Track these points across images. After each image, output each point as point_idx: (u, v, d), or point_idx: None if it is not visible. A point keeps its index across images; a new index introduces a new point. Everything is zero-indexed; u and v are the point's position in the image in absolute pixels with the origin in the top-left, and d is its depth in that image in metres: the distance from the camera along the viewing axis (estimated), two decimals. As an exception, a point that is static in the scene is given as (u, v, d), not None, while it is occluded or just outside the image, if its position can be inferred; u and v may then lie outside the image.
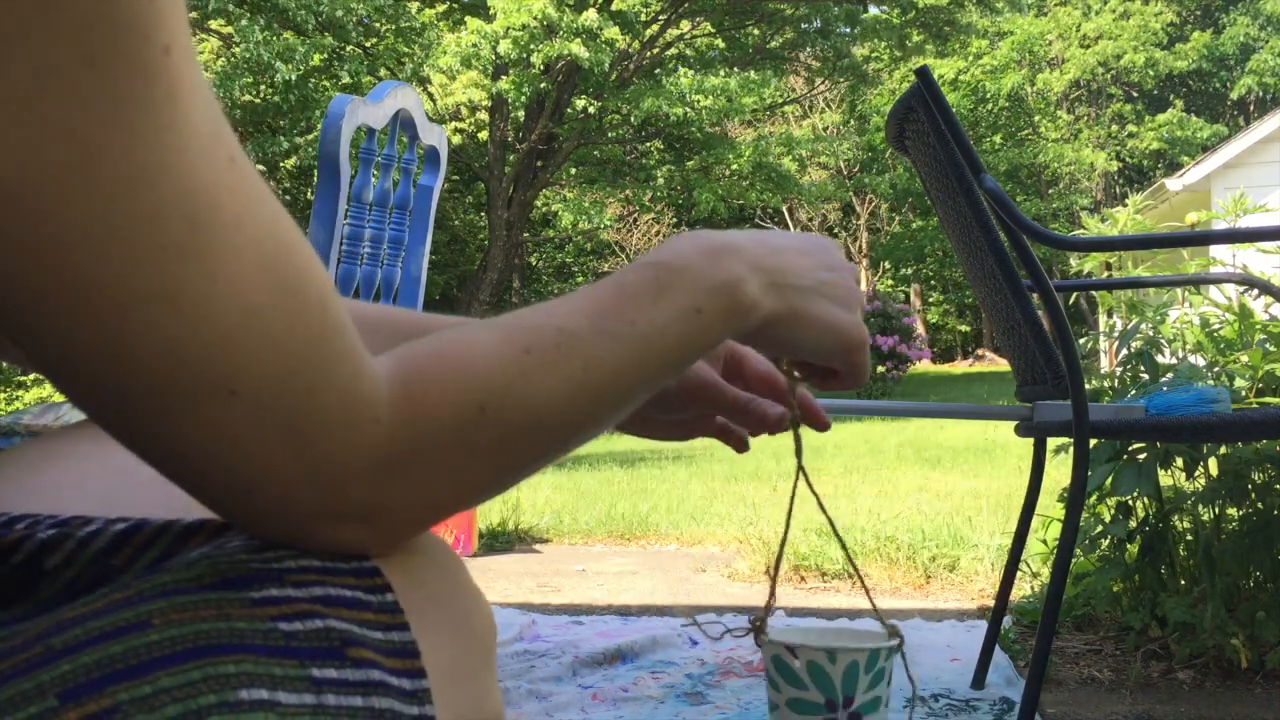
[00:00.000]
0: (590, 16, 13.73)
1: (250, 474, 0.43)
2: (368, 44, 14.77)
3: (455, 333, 0.49)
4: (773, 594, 0.81)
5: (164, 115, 0.36)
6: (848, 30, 17.61)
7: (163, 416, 0.40)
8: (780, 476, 5.76)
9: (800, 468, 0.78)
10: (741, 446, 0.80)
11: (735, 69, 15.51)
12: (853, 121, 28.68)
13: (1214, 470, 2.07)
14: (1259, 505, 2.00)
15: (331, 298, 0.44)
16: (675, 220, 25.27)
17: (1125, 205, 2.61)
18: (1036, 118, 29.01)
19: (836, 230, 31.39)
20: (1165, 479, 2.11)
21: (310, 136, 14.33)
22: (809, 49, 17.79)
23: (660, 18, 16.56)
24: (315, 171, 7.72)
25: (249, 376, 0.41)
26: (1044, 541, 2.68)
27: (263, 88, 14.70)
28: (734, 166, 16.18)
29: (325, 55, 13.89)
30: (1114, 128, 28.99)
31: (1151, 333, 2.22)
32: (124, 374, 0.39)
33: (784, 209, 27.99)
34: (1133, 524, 2.15)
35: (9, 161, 0.33)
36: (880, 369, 15.75)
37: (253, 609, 0.43)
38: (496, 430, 0.48)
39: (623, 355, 0.51)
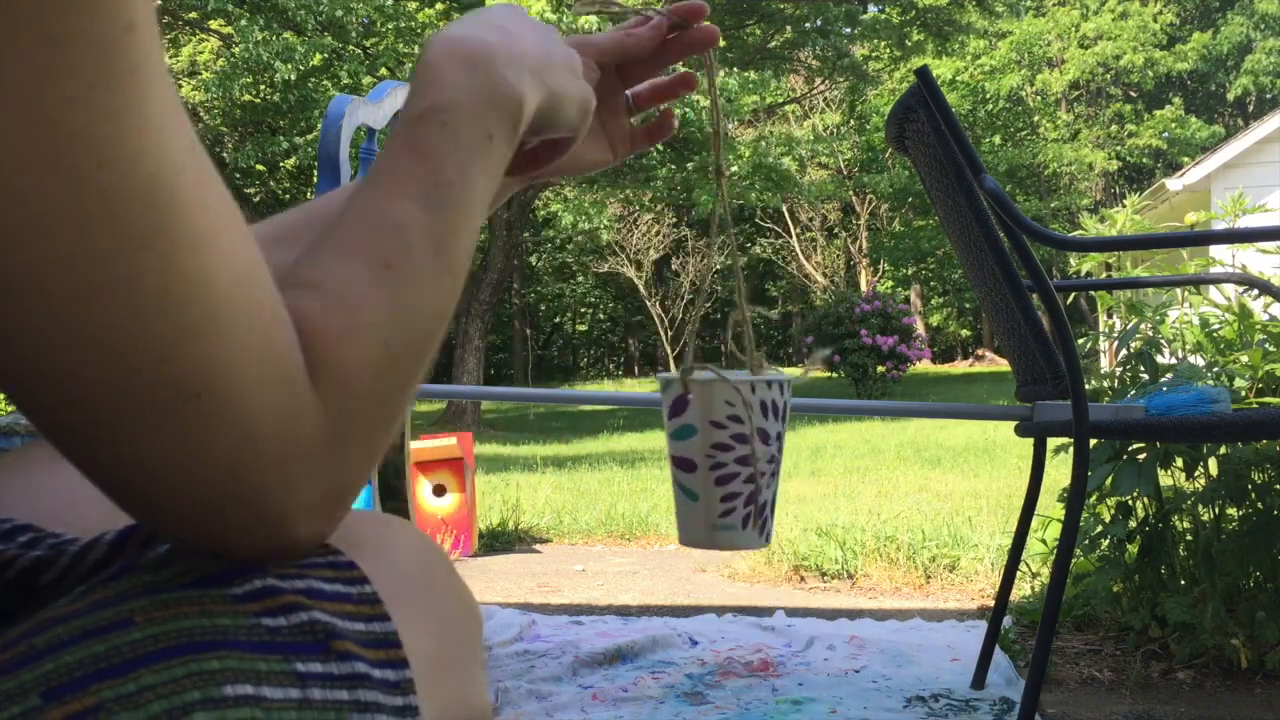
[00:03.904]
0: (589, 18, 13.72)
1: (220, 489, 0.41)
2: (367, 44, 14.76)
3: (319, 270, 0.47)
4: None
5: (126, 94, 0.35)
6: (848, 30, 17.59)
7: (128, 427, 0.38)
8: (780, 477, 5.75)
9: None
10: (661, 129, 0.80)
11: (735, 69, 15.50)
12: (853, 121, 28.69)
13: (1214, 470, 2.07)
14: (1259, 505, 2.00)
15: (275, 289, 0.43)
16: (675, 220, 25.27)
17: (1124, 205, 2.60)
18: (1036, 118, 29.02)
19: (836, 230, 31.40)
20: (1165, 479, 2.11)
21: (310, 136, 14.33)
22: (809, 49, 17.77)
23: (660, 18, 16.54)
24: (315, 171, 7.71)
25: (214, 375, 0.39)
26: (1044, 541, 2.68)
27: (262, 88, 14.70)
28: (734, 168, 16.18)
29: (325, 55, 13.88)
30: (1114, 128, 28.99)
31: (1151, 333, 2.22)
32: (86, 376, 0.37)
33: (784, 209, 27.99)
34: (1133, 524, 2.15)
35: None
36: (880, 369, 15.74)
37: (235, 605, 0.43)
38: (399, 357, 0.47)
39: (457, 219, 0.51)
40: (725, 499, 0.81)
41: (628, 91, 0.78)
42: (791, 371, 0.82)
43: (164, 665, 0.39)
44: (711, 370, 0.78)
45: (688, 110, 14.87)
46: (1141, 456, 2.00)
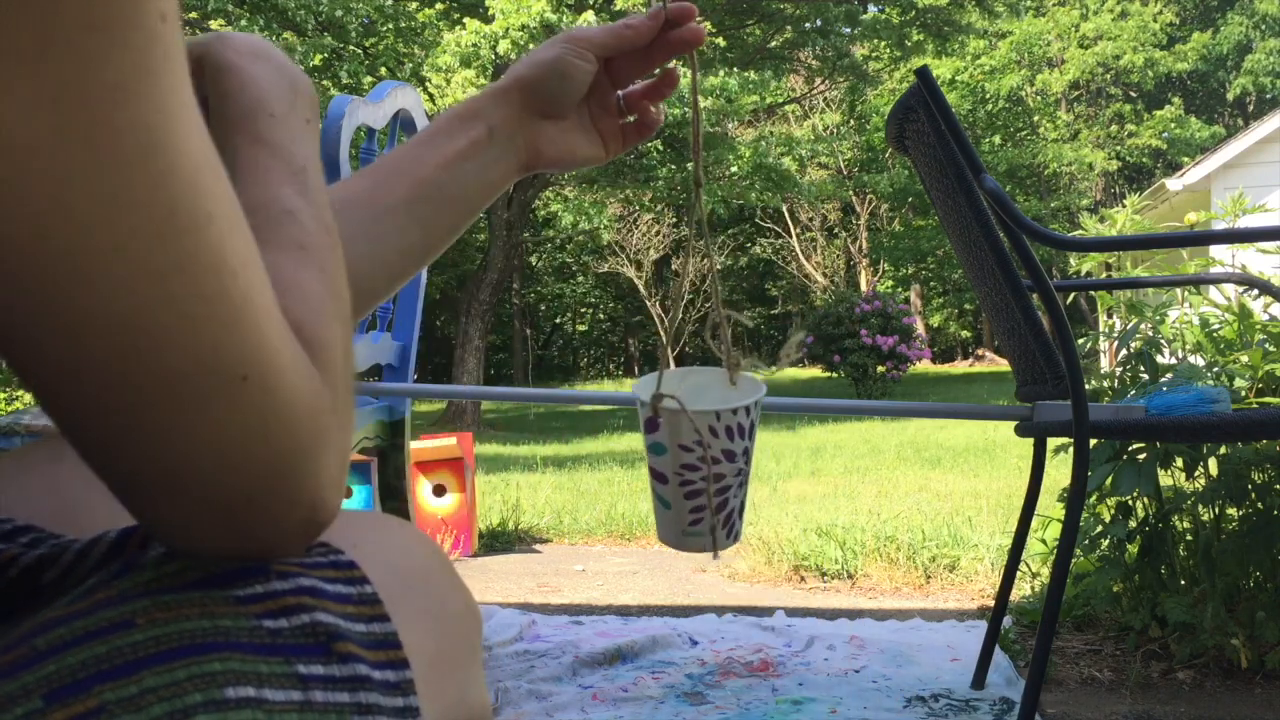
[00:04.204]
0: (588, 19, 13.73)
1: (251, 475, 0.41)
2: (367, 44, 14.76)
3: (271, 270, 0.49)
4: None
5: (164, 82, 0.36)
6: (848, 30, 17.59)
7: (174, 413, 0.39)
8: (780, 477, 5.76)
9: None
10: (647, 125, 0.82)
11: (735, 69, 15.49)
12: (853, 121, 28.68)
13: (1214, 470, 2.07)
14: (1259, 505, 2.00)
15: None
16: (675, 220, 25.27)
17: (1124, 205, 2.60)
18: (1036, 118, 29.03)
19: (836, 230, 31.39)
20: (1165, 479, 2.11)
21: (310, 137, 14.30)
22: (809, 49, 17.77)
23: (660, 18, 16.53)
24: (315, 172, 7.65)
25: (255, 358, 0.40)
26: (1044, 541, 2.68)
27: (262, 88, 14.67)
28: (734, 168, 16.19)
29: (325, 55, 13.88)
30: (1114, 128, 29.00)
31: (1151, 333, 2.22)
32: (142, 362, 0.37)
33: (784, 209, 27.99)
34: (1133, 524, 2.15)
35: (20, 129, 0.32)
36: (880, 369, 15.74)
37: (237, 606, 0.43)
38: (345, 327, 0.49)
39: (319, 199, 0.54)
40: (694, 510, 0.86)
41: (618, 92, 0.80)
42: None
43: (166, 667, 0.39)
44: (678, 401, 0.82)
45: (688, 110, 14.86)
46: (1141, 456, 2.00)
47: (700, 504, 0.85)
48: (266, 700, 0.41)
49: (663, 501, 0.87)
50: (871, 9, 18.44)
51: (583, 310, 34.80)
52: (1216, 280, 2.31)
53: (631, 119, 0.81)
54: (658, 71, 0.80)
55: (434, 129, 0.75)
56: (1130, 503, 2.17)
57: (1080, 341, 2.43)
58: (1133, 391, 2.08)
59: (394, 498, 2.50)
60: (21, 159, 0.33)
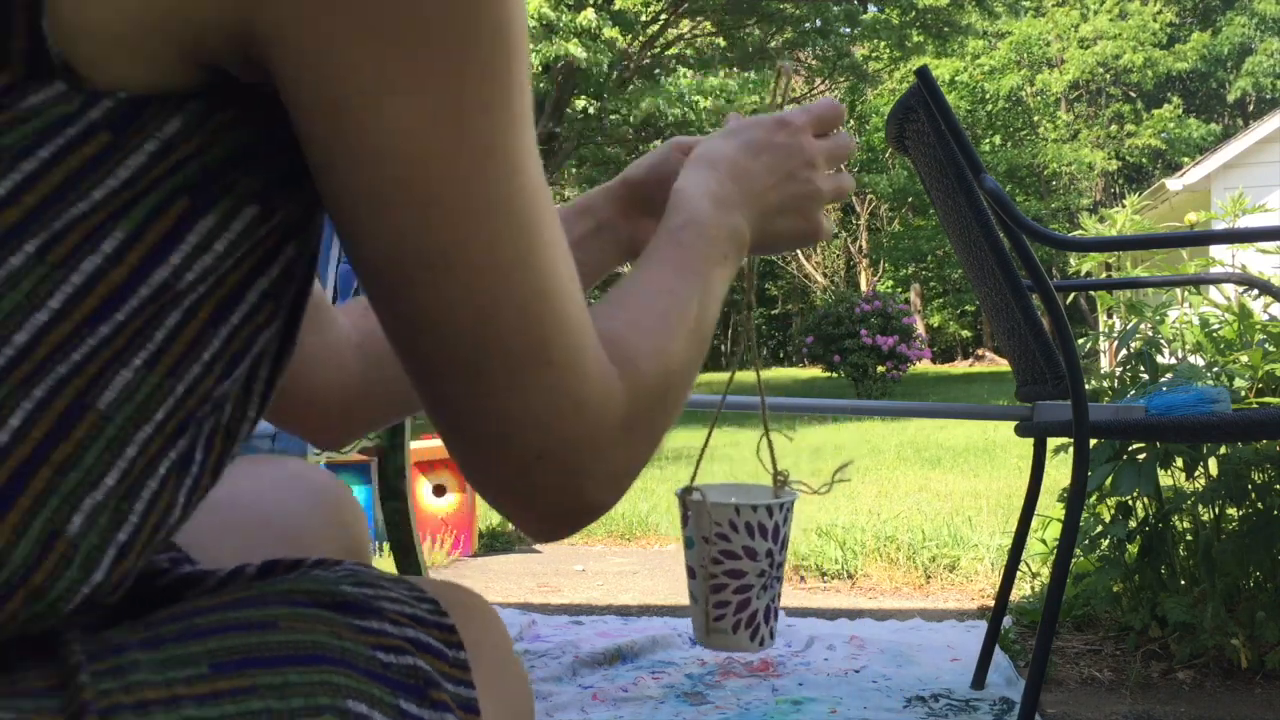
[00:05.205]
0: (588, 17, 13.71)
1: (545, 438, 0.49)
2: (367, 44, 14.75)
3: (615, 306, 0.58)
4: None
5: (528, 122, 0.46)
6: (848, 30, 17.58)
7: (500, 381, 0.47)
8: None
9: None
10: None
11: (735, 69, 15.49)
12: (853, 121, 28.68)
13: (1214, 470, 2.07)
14: (1259, 505, 2.00)
15: None
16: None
17: (1124, 205, 2.61)
18: (1036, 118, 29.03)
19: (836, 230, 31.36)
20: (1165, 479, 2.11)
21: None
22: (809, 49, 17.76)
23: (661, 17, 16.55)
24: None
25: (561, 346, 0.48)
26: (1044, 541, 2.68)
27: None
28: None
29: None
30: (1113, 128, 28.99)
31: (1151, 333, 2.22)
32: (489, 337, 0.46)
33: (784, 209, 27.92)
34: (1133, 524, 2.15)
35: (424, 143, 0.43)
36: (880, 369, 15.73)
37: (359, 635, 0.48)
38: (671, 382, 0.57)
39: (705, 300, 0.63)
40: (718, 605, 0.91)
41: None
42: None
43: (305, 669, 0.45)
44: (700, 492, 0.90)
45: (688, 111, 14.87)
46: (1141, 456, 2.00)
47: (723, 599, 0.90)
48: None
49: (693, 596, 0.92)
50: (871, 9, 18.44)
51: (583, 310, 34.81)
52: (1216, 280, 2.31)
53: None
54: None
55: None
56: (1130, 503, 2.17)
57: (1080, 341, 2.43)
58: (1133, 391, 2.08)
59: (394, 498, 2.50)
60: (422, 164, 0.43)
